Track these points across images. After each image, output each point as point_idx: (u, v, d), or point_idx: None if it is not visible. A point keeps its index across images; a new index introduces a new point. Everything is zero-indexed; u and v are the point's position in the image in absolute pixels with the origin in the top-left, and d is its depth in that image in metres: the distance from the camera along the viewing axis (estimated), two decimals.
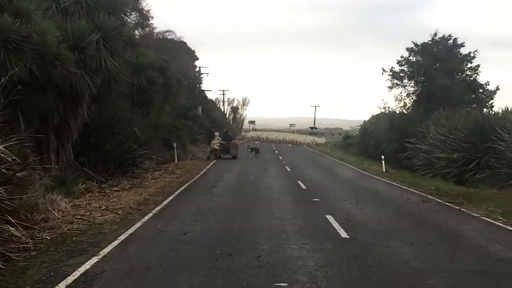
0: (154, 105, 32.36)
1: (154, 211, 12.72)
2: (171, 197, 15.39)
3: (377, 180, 23.44)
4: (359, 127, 71.05)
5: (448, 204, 15.20)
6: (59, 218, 11.34)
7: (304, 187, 18.18)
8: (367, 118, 61.33)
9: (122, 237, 9.64)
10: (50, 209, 11.74)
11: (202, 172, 24.28)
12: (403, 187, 20.46)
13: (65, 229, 10.46)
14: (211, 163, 29.77)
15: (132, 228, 10.56)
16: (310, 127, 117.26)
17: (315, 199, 14.78)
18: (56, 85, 16.29)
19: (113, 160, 20.25)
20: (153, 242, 9.19)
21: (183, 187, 18.12)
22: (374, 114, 57.62)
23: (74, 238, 9.64)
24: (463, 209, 14.05)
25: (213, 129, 43.41)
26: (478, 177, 25.82)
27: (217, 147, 33.62)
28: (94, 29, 17.91)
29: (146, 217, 11.84)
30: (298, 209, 13.00)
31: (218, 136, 35.13)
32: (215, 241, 9.15)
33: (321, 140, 79.75)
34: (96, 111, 20.61)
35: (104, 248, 8.77)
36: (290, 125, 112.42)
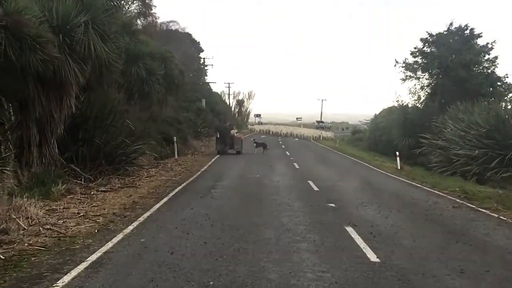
0: (153, 97, 30.58)
1: (140, 219, 10.74)
2: (164, 200, 13.41)
3: (394, 180, 21.37)
4: (368, 122, 68.94)
5: (483, 210, 13.13)
6: (24, 229, 9.39)
7: (315, 188, 16.13)
8: (377, 112, 59.28)
9: (93, 257, 7.67)
10: (15, 217, 9.80)
11: (202, 169, 22.29)
12: (425, 188, 18.42)
13: (27, 244, 8.51)
14: (213, 159, 27.77)
15: (110, 243, 8.57)
16: (317, 121, 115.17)
17: (330, 204, 12.74)
18: (37, 71, 14.36)
19: (104, 156, 18.39)
20: (130, 266, 7.19)
21: (179, 187, 16.13)
22: (385, 108, 55.67)
23: (33, 258, 7.69)
24: (502, 217, 11.99)
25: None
26: (502, 176, 23.93)
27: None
28: (83, 10, 16.06)
29: (130, 228, 9.86)
30: (312, 218, 10.95)
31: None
32: (209, 265, 7.14)
33: (329, 134, 77.50)
34: (86, 101, 18.77)
35: (66, 274, 6.81)
36: (297, 118, 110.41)
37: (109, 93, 20.71)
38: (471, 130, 29.16)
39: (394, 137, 39.98)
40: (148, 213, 11.49)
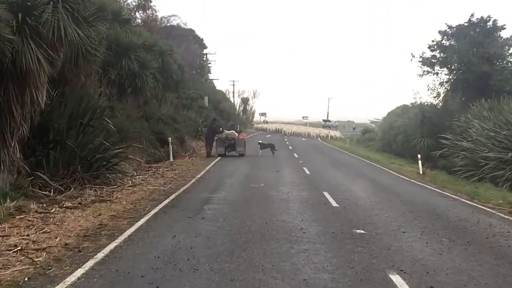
0: (147, 93, 27.57)
1: (99, 256, 7.67)
2: (140, 222, 10.32)
3: (423, 189, 18.23)
4: (379, 120, 65.70)
5: None
6: None
7: (334, 203, 12.98)
8: (385, 110, 56.13)
9: None
10: None
11: (199, 176, 19.19)
12: (464, 200, 15.31)
13: None
14: (213, 163, 24.66)
15: None
16: (324, 120, 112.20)
17: (358, 231, 9.60)
18: None
19: (81, 161, 15.45)
20: None
21: (166, 201, 13.05)
22: (399, 105, 52.41)
23: None
24: None
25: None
26: None
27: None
28: None
29: (77, 274, 6.79)
30: (338, 257, 7.80)
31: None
32: None
33: (336, 133, 74.22)
34: (59, 96, 15.80)
35: None
36: (303, 117, 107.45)
37: (88, 86, 17.65)
38: (502, 130, 26.11)
39: (411, 137, 36.79)
40: (112, 245, 8.42)
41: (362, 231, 9.54)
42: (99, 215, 10.91)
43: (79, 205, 12.32)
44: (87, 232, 9.39)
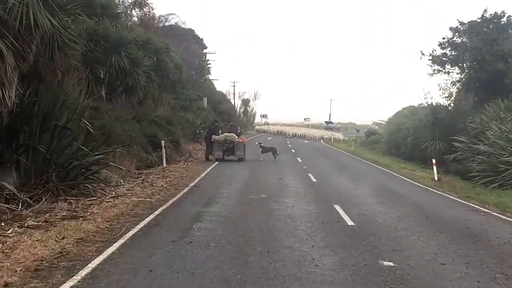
0: (138, 92, 25.58)
1: None
2: (111, 249, 8.26)
3: (444, 200, 16.18)
4: (383, 122, 63.73)
5: None
6: None
7: (349, 221, 10.88)
8: (390, 111, 54.08)
9: None
10: None
11: (192, 184, 17.16)
12: (496, 214, 13.29)
13: None
14: (209, 168, 22.62)
15: None
16: (326, 121, 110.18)
17: (384, 263, 7.54)
18: None
19: (56, 168, 13.51)
20: None
21: (149, 218, 11.01)
22: (406, 106, 50.40)
23: None
24: None
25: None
26: None
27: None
28: None
29: None
30: None
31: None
32: None
33: (339, 135, 71.99)
34: (32, 95, 13.85)
35: None
36: (305, 119, 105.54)
37: (66, 83, 15.64)
38: None
39: (421, 140, 34.70)
40: (67, 285, 6.41)
41: (391, 264, 7.48)
42: (63, 238, 8.87)
43: (44, 223, 10.32)
44: (40, 263, 7.38)
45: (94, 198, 13.57)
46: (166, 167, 22.35)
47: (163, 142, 23.45)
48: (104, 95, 24.00)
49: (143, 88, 25.78)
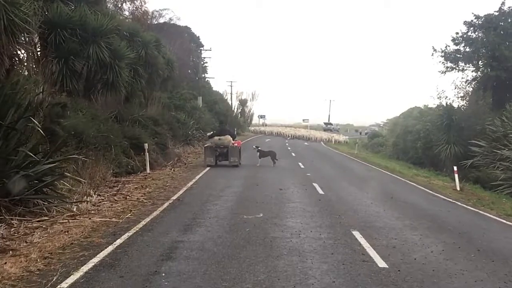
0: (120, 88, 22.68)
1: None
2: None
3: (485, 220, 13.19)
4: (386, 123, 60.82)
5: None
6: None
7: (379, 261, 7.72)
8: (392, 112, 51.19)
9: None
10: None
11: (175, 197, 14.16)
12: None
13: None
14: (198, 176, 19.57)
15: None
16: (325, 123, 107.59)
17: None
18: None
19: None
20: None
21: (103, 254, 7.99)
22: (413, 107, 47.46)
23: None
24: None
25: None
26: None
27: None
28: None
29: None
30: None
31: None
32: None
33: (340, 137, 68.93)
34: None
35: None
36: (303, 120, 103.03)
37: (16, 73, 12.67)
38: None
39: (434, 144, 31.76)
40: None
41: None
42: None
43: None
44: None
45: (46, 217, 10.63)
46: (149, 173, 19.38)
47: (146, 145, 20.44)
48: (79, 91, 21.06)
49: (126, 83, 22.93)
